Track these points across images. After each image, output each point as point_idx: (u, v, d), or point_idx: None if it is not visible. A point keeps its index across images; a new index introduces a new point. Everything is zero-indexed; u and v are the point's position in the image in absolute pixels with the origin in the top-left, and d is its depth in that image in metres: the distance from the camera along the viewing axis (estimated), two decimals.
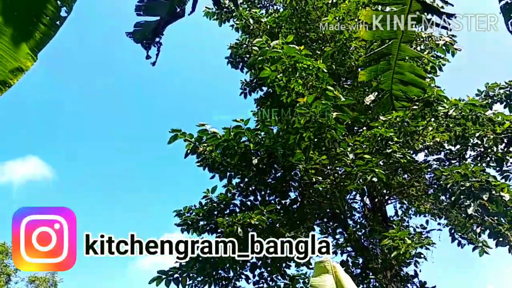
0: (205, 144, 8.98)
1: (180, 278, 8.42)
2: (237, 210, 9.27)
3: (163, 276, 8.23)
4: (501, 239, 6.64)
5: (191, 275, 8.87)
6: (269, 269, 9.35)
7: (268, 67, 7.72)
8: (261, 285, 9.56)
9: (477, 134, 7.93)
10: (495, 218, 6.63)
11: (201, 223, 9.50)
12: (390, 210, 13.74)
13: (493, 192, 5.58)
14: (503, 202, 5.59)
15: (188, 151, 8.96)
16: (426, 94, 7.41)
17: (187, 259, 8.70)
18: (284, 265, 9.58)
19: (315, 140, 7.34)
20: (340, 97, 6.92)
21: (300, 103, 7.05)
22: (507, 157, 7.98)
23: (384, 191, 8.71)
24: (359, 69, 9.09)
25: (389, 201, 9.43)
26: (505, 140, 7.92)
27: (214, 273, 9.00)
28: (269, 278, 9.49)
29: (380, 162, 6.98)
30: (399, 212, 9.98)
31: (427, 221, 9.18)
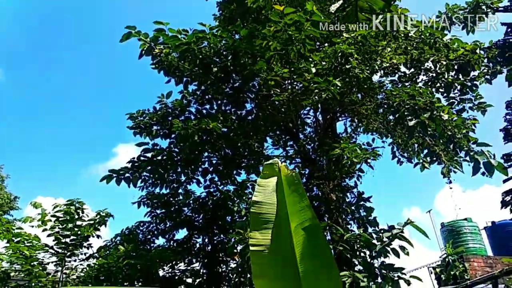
0: (162, 46, 8.56)
1: (131, 178, 8.54)
2: (192, 117, 9.23)
3: (114, 175, 8.30)
4: (434, 158, 7.25)
5: (142, 176, 9.03)
6: (220, 175, 9.71)
7: None
8: (212, 189, 9.99)
9: (431, 59, 8.16)
10: (433, 139, 7.15)
11: (155, 127, 9.44)
12: (340, 127, 14.33)
13: (435, 112, 5.94)
14: (442, 122, 5.99)
15: (143, 51, 8.52)
16: (390, 13, 7.34)
17: (140, 160, 8.83)
18: (235, 172, 9.97)
19: (281, 51, 7.20)
20: (317, 13, 6.66)
21: (276, 11, 6.73)
22: (455, 84, 8.36)
23: (337, 108, 8.96)
24: None
25: (340, 118, 9.77)
26: (456, 67, 8.24)
27: (165, 175, 9.20)
28: (219, 183, 9.89)
29: (337, 82, 7.05)
30: (349, 130, 10.45)
31: (373, 139, 9.72)
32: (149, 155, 8.88)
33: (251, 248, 3.78)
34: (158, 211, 9.79)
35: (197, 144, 8.09)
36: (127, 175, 8.63)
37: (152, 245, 9.51)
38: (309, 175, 8.97)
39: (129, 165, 8.71)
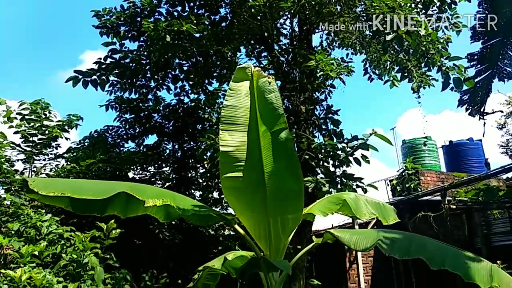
0: None
1: (98, 81, 8.26)
2: (163, 19, 8.72)
3: (80, 77, 7.99)
4: (406, 74, 7.37)
5: (110, 80, 8.75)
6: (191, 82, 9.54)
7: None
8: (182, 97, 9.89)
9: None
10: (407, 55, 7.19)
11: (122, 28, 8.92)
12: (315, 41, 14.03)
13: (413, 26, 5.89)
14: (418, 37, 5.98)
15: None
16: None
17: (107, 62, 8.48)
18: (206, 81, 9.82)
19: None
20: None
21: None
22: (434, 0, 8.18)
23: (313, 18, 8.67)
24: None
25: (316, 31, 9.51)
26: None
27: (134, 80, 8.96)
28: (190, 91, 9.77)
29: None
30: (324, 44, 10.26)
31: (347, 55, 9.64)
32: (116, 56, 8.52)
33: (220, 148, 3.89)
34: (127, 116, 9.70)
35: (167, 47, 7.77)
36: (94, 77, 8.33)
37: (121, 149, 9.58)
38: (281, 87, 8.95)
39: (95, 66, 8.37)
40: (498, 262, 6.39)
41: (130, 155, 8.44)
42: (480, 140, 13.17)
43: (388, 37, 5.81)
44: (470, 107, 2.57)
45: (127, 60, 8.71)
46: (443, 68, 6.38)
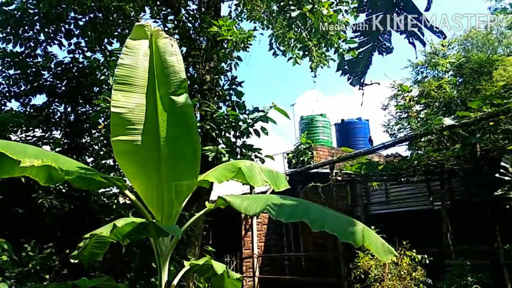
0: None
1: None
2: None
3: None
4: (306, 52, 7.72)
5: None
6: (88, 40, 8.79)
7: None
8: (77, 55, 9.07)
9: None
10: (309, 35, 7.52)
11: None
12: (224, 11, 13.89)
13: (316, 5, 6.17)
14: (320, 16, 6.29)
15: None
16: None
17: None
18: (106, 40, 9.14)
19: None
20: None
21: None
22: None
23: None
24: None
25: (225, 0, 9.40)
26: None
27: (20, 31, 7.96)
28: (86, 49, 9.00)
29: None
30: (233, 14, 10.22)
31: (254, 28, 9.73)
32: None
33: (112, 109, 3.68)
34: (11, 72, 8.61)
35: None
36: None
37: (3, 107, 8.53)
38: (186, 54, 8.73)
39: None
40: (372, 227, 7.23)
41: (11, 116, 7.55)
42: (367, 120, 14.57)
43: (293, 14, 5.99)
44: (352, 77, 2.78)
45: (12, 7, 7.69)
46: (340, 50, 6.83)
